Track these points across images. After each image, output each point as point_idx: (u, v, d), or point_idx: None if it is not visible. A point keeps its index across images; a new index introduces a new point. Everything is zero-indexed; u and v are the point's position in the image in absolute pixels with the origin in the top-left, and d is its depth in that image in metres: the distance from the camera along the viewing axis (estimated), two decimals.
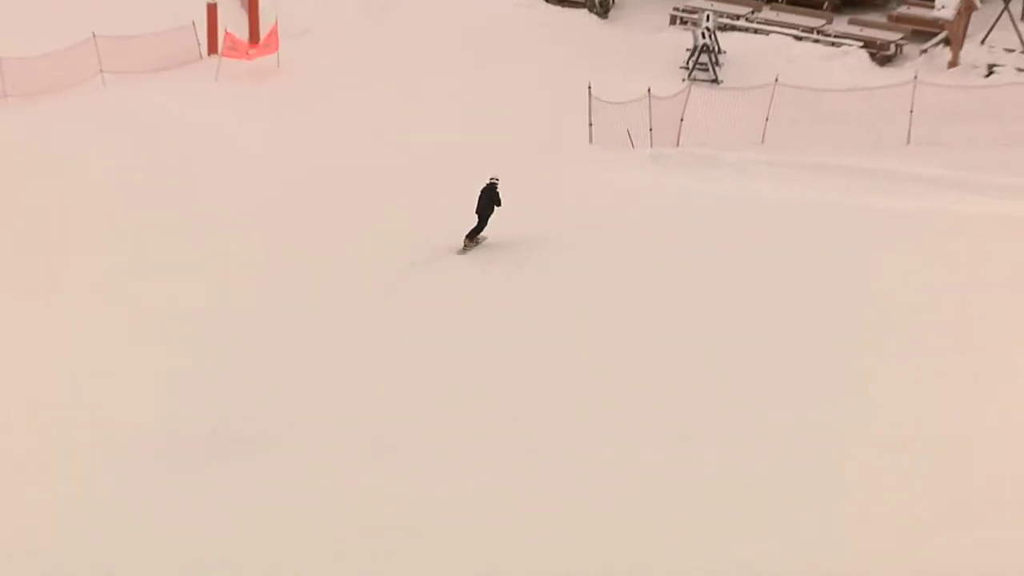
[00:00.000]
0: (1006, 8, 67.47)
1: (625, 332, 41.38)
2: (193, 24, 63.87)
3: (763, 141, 55.14)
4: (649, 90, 55.98)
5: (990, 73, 63.93)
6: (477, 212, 53.26)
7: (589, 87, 56.96)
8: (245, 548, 29.55)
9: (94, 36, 63.21)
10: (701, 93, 58.06)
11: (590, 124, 55.49)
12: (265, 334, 42.88)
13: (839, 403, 35.19)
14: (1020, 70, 63.69)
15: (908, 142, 55.83)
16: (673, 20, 66.36)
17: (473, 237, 53.55)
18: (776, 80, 58.24)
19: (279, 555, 29.80)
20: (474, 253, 50.04)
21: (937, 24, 65.53)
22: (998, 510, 29.52)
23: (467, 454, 34.22)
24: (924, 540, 26.73)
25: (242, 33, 63.41)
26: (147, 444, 34.56)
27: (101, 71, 60.91)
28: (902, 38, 65.33)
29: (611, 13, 66.40)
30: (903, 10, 67.67)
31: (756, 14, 67.21)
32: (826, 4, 67.57)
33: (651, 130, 55.91)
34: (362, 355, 41.93)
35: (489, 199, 52.71)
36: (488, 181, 52.56)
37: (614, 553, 27.17)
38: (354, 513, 32.10)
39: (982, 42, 65.39)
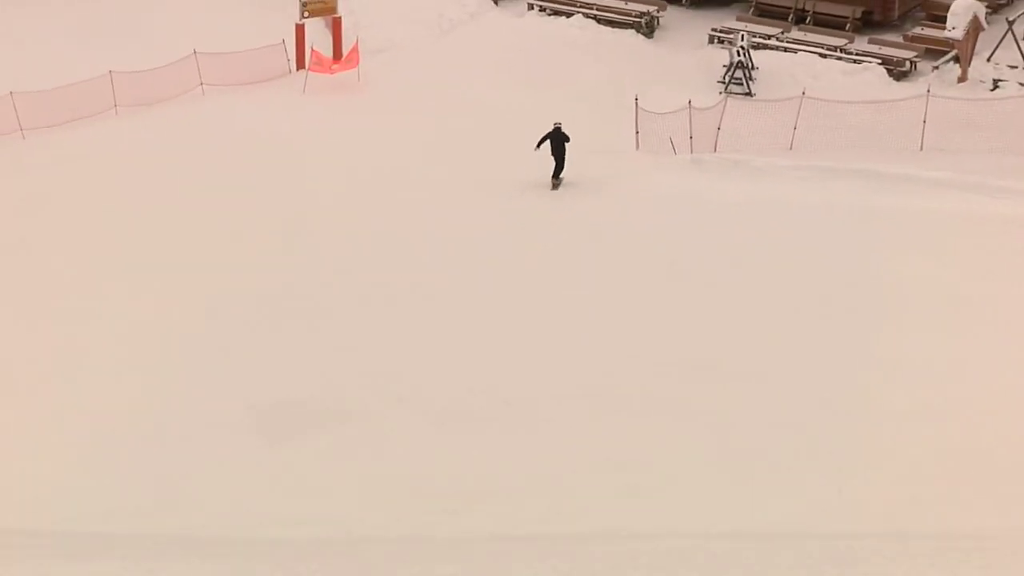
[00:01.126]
0: (1010, 29, 67.53)
1: (668, 312, 42.89)
2: (283, 42, 64.99)
3: (791, 148, 56.37)
4: (690, 102, 56.86)
5: (995, 87, 65.09)
6: (553, 155, 56.44)
7: (636, 99, 57.12)
8: (337, 503, 31.37)
9: (195, 53, 63.53)
10: (736, 105, 59.60)
11: (637, 132, 56.04)
12: (343, 318, 45.01)
13: (853, 380, 36.74)
14: (1022, 84, 64.49)
15: (921, 149, 56.83)
16: (711, 39, 67.05)
17: (557, 175, 56.55)
18: (803, 94, 59.44)
19: (366, 509, 31.38)
20: (546, 248, 49.26)
21: (948, 43, 66.22)
22: (999, 475, 31.15)
23: (524, 423, 35.91)
24: (930, 501, 27.82)
25: (326, 50, 64.15)
26: (252, 417, 36.87)
27: (201, 84, 62.79)
28: (916, 56, 66.28)
29: (656, 33, 66.33)
30: (917, 31, 68.52)
31: (785, 34, 67.42)
32: (848, 25, 67.95)
33: (691, 138, 56.75)
34: (431, 337, 42.88)
35: (559, 140, 56.37)
36: (553, 125, 55.85)
37: (655, 513, 27.53)
38: (428, 474, 34.04)
39: (988, 59, 66.44)
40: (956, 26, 64.98)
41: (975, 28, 65.58)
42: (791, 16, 67.92)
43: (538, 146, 57.07)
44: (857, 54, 66.15)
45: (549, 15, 69.41)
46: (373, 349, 42.62)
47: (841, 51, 65.96)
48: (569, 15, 68.90)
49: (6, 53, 66.64)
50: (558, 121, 56.63)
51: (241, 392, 39.58)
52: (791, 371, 38.52)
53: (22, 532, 27.46)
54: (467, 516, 30.73)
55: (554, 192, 55.43)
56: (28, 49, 67.46)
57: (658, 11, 68.80)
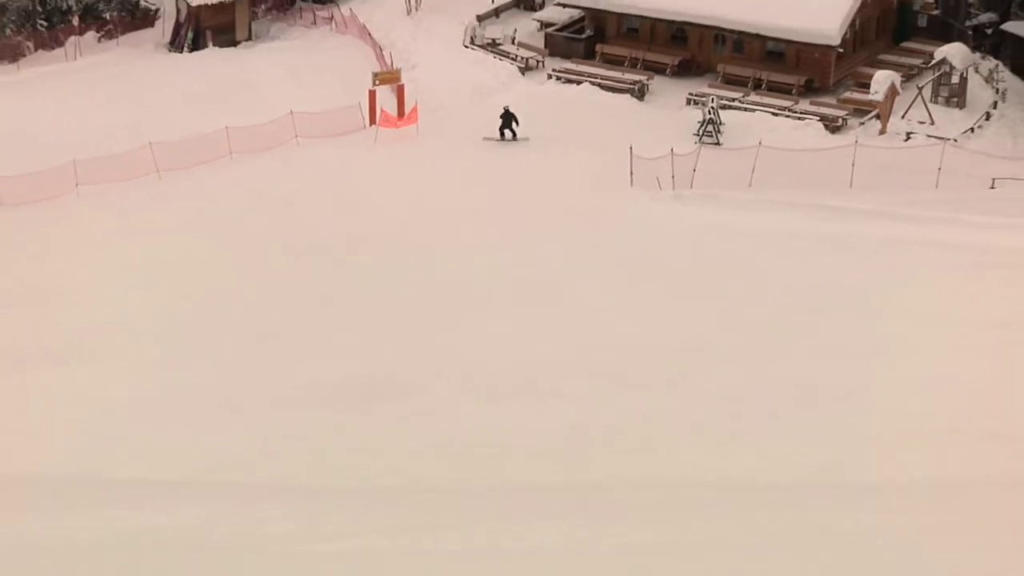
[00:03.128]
0: (919, 93, 69.79)
1: (661, 306, 46.88)
2: (359, 104, 67.99)
3: (750, 185, 59.78)
4: (672, 150, 59.76)
5: (907, 138, 68.41)
6: (504, 127, 66.77)
7: (631, 147, 58.40)
8: (400, 459, 33.60)
9: (291, 113, 65.83)
10: (708, 152, 62.65)
11: (631, 173, 58.99)
12: (397, 310, 48.88)
13: (810, 364, 39.50)
14: (928, 136, 67.71)
15: (851, 186, 60.51)
16: (688, 101, 69.90)
17: (503, 136, 67.05)
18: (759, 144, 62.48)
19: (422, 469, 33.76)
20: (566, 254, 53.31)
21: (871, 104, 69.24)
22: (945, 433, 33.62)
23: (551, 395, 39.04)
24: (886, 458, 29.58)
25: (392, 110, 66.74)
26: (321, 392, 40.02)
27: (296, 136, 65.63)
28: (846, 114, 69.56)
29: (646, 97, 69.59)
30: (848, 94, 71.79)
31: (745, 97, 70.42)
32: (794, 90, 71.32)
33: (673, 177, 59.65)
34: (471, 325, 46.66)
35: (509, 118, 66.48)
36: (503, 109, 66.67)
37: (662, 466, 30.02)
38: (472, 434, 37.03)
39: (902, 117, 69.74)
40: (878, 91, 69.10)
41: (892, 92, 69.37)
42: (750, 83, 71.19)
43: (500, 129, 67.28)
44: (801, 113, 69.47)
45: (564, 83, 72.41)
46: (421, 336, 46.07)
47: (788, 111, 69.55)
48: (579, 83, 72.06)
49: (145, 113, 69.51)
50: (507, 105, 67.28)
51: (315, 371, 43.00)
52: (754, 353, 41.79)
53: (144, 481, 28.62)
54: (505, 466, 33.35)
55: (570, 211, 57.74)
56: (161, 109, 70.46)
57: (647, 80, 71.93)
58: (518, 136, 68.62)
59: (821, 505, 20.99)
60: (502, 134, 68.24)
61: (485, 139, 68.67)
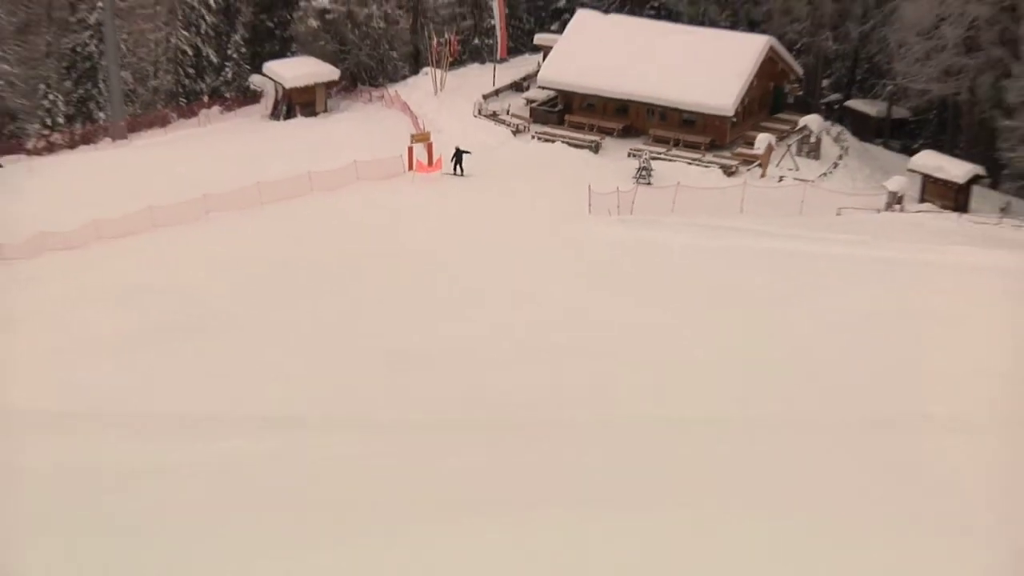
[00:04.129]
0: (788, 149, 69.07)
1: (611, 298, 45.36)
2: (401, 156, 66.63)
3: (672, 212, 58.17)
4: (618, 188, 59.44)
5: (780, 180, 67.02)
6: (457, 163, 65.11)
7: (589, 186, 58.01)
8: (435, 405, 31.43)
9: (355, 161, 65.64)
10: (643, 189, 62.25)
11: (589, 204, 57.61)
12: (429, 304, 47.43)
13: (718, 337, 37.83)
14: (794, 179, 65.76)
15: (741, 212, 59.78)
16: (629, 154, 68.33)
17: (456, 171, 65.20)
18: (678, 183, 62.39)
19: (454, 406, 32.27)
20: (545, 265, 51.99)
21: (755, 156, 67.34)
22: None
23: (538, 362, 36.91)
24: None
25: (424, 160, 66.15)
26: (375, 356, 38.31)
27: (357, 177, 64.72)
28: (738, 163, 68.09)
29: (599, 151, 68.53)
30: (738, 150, 69.67)
31: (668, 152, 68.50)
32: (702, 147, 69.26)
33: (618, 207, 58.25)
34: (480, 313, 45.20)
35: (459, 155, 65.04)
36: (456, 148, 65.42)
37: (610, 407, 28.04)
38: (494, 388, 34.85)
39: (776, 165, 67.96)
40: (759, 147, 68.63)
41: (769, 148, 68.13)
42: (671, 142, 69.20)
43: (453, 160, 66.24)
44: (706, 162, 68.36)
45: (543, 142, 70.82)
46: (439, 320, 44.66)
47: (698, 161, 68.28)
48: (553, 142, 70.54)
49: (253, 163, 67.58)
50: (458, 146, 66.26)
51: (370, 344, 41.44)
52: (677, 328, 40.25)
53: (247, 415, 28.46)
54: (529, 412, 31.04)
55: (548, 232, 56.56)
56: (265, 160, 69.03)
57: (600, 140, 70.47)
58: (464, 172, 67.54)
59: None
60: (454, 169, 67.20)
61: (442, 173, 67.76)
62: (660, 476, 17.11)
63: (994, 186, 66.28)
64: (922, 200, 62.61)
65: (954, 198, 62.29)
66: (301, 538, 13.75)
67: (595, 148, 69.01)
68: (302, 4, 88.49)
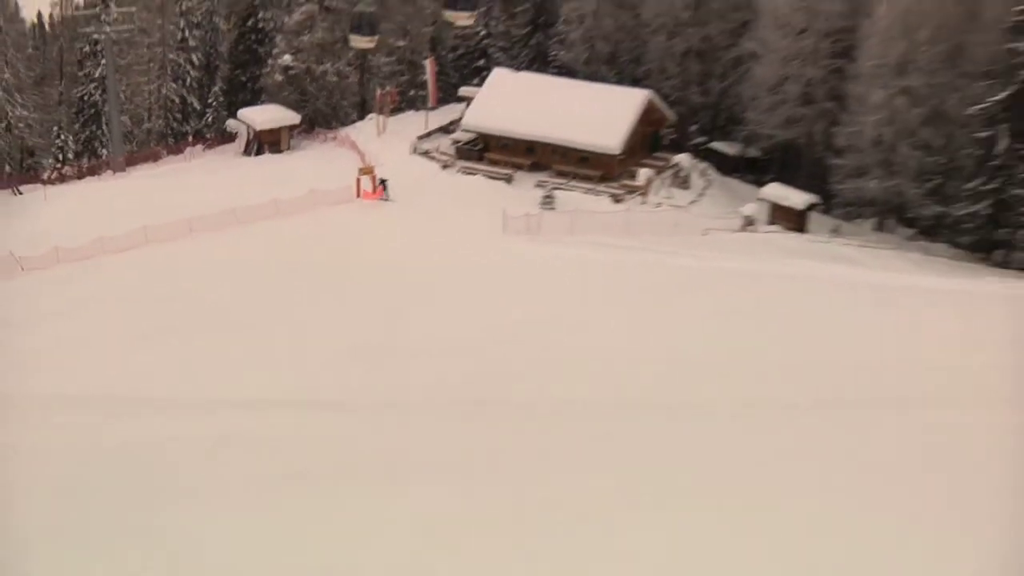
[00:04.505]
0: (664, 182, 68.49)
1: (524, 296, 44.71)
2: (351, 185, 65.22)
3: (572, 231, 57.63)
4: (527, 212, 59.75)
5: (658, 206, 66.33)
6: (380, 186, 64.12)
7: (504, 210, 58.34)
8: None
9: (312, 190, 63.21)
10: (548, 214, 61.54)
11: (504, 224, 57.50)
12: (381, 294, 46.87)
13: (604, 332, 36.11)
14: (669, 205, 66.13)
15: (626, 233, 58.24)
16: (536, 185, 67.04)
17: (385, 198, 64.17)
18: (575, 208, 63.07)
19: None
20: (460, 269, 51.59)
21: (638, 187, 67.57)
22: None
23: (471, 350, 35.17)
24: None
25: (369, 188, 65.14)
26: (349, 346, 36.51)
27: (315, 203, 62.69)
28: (624, 193, 66.80)
29: (512, 183, 68.50)
30: (625, 181, 68.52)
31: (568, 184, 67.72)
32: (595, 179, 68.77)
33: (528, 227, 57.90)
34: (417, 309, 43.64)
35: (384, 182, 63.58)
36: (381, 179, 64.24)
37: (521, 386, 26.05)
38: (484, 374, 32.60)
39: (655, 194, 68.27)
40: (641, 180, 69.03)
41: (649, 180, 68.57)
42: (570, 175, 68.75)
43: (382, 185, 65.56)
44: (598, 191, 67.80)
45: (467, 175, 70.17)
46: (396, 311, 43.87)
47: (592, 191, 67.73)
48: (475, 175, 70.15)
49: (229, 191, 66.66)
50: (383, 179, 65.31)
51: (334, 337, 39.41)
52: (573, 321, 39.23)
53: (236, 398, 27.05)
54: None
55: (471, 247, 56.14)
56: (239, 189, 67.43)
57: (513, 173, 69.33)
58: (390, 198, 67.36)
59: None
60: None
61: (383, 200, 67.54)
62: (565, 446, 16.82)
63: (826, 212, 66.83)
64: (771, 223, 63.04)
65: (796, 221, 62.76)
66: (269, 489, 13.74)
67: (509, 180, 68.90)
68: (269, 62, 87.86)
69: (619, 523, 11.91)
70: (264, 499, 13.19)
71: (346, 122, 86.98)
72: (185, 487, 14.02)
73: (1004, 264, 61.23)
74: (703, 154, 75.99)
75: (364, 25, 76.88)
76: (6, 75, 79.80)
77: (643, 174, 67.84)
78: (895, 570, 10.88)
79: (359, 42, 78.34)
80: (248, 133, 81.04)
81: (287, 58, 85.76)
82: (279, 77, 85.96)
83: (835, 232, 62.50)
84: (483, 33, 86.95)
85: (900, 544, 11.34)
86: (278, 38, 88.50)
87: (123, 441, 17.34)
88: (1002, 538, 10.93)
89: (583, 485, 13.36)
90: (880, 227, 67.11)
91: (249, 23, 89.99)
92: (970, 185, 61.75)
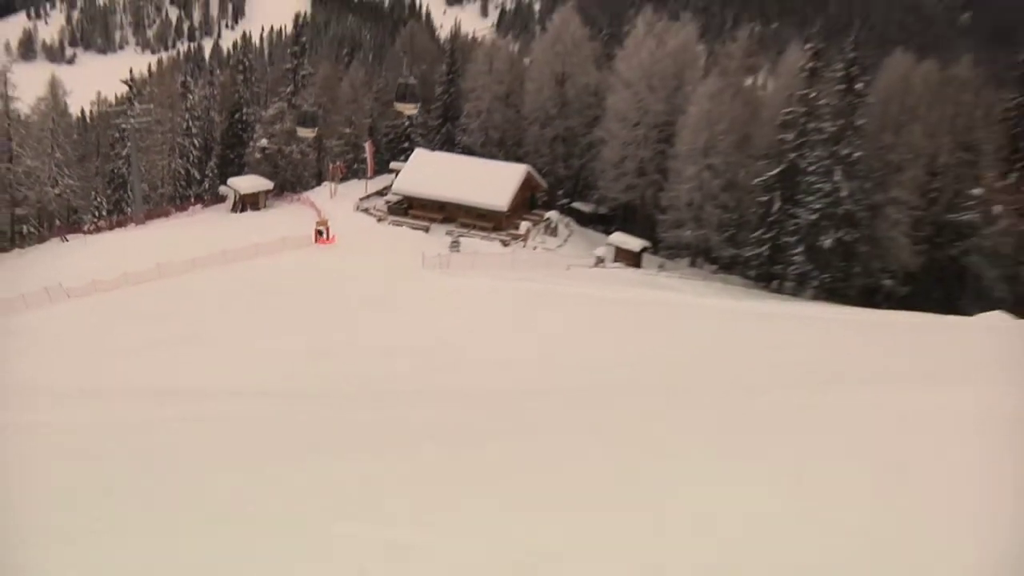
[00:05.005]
0: (539, 231, 69.44)
1: (439, 315, 43.86)
2: (311, 234, 64.22)
3: (473, 268, 58.08)
4: (439, 253, 60.05)
5: (535, 249, 67.20)
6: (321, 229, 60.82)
7: (423, 252, 58.99)
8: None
9: (283, 237, 62.61)
10: (455, 255, 62.04)
11: (423, 262, 57.41)
12: (336, 309, 46.41)
13: (504, 339, 35.11)
14: (543, 249, 67.59)
15: (512, 268, 59.62)
16: (446, 234, 66.52)
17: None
18: (474, 250, 63.80)
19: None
20: (390, 295, 50.84)
21: (520, 235, 68.17)
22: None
23: (411, 351, 33.65)
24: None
25: (324, 236, 64.32)
26: (309, 350, 34.56)
27: (284, 246, 61.71)
28: (510, 239, 67.08)
29: (429, 232, 67.74)
30: (510, 231, 69.34)
31: (469, 232, 67.65)
32: (489, 229, 68.43)
33: (440, 265, 58.30)
34: (362, 315, 43.82)
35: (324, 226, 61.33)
36: (316, 225, 61.81)
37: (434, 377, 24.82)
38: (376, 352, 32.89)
39: (532, 241, 68.99)
40: (522, 230, 69.00)
41: (528, 230, 68.98)
42: (471, 226, 68.91)
43: (326, 233, 62.84)
44: (491, 239, 67.61)
45: (396, 226, 69.89)
46: (350, 318, 44.20)
47: (486, 238, 67.74)
48: (401, 226, 69.14)
49: (221, 238, 65.11)
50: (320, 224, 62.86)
51: (298, 342, 37.95)
52: (481, 334, 38.56)
53: (228, 389, 25.89)
54: (399, 385, 27.40)
55: (398, 278, 55.39)
56: (228, 236, 66.09)
57: (430, 224, 68.85)
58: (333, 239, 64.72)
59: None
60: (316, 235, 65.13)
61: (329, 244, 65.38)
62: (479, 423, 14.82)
63: (655, 253, 66.75)
64: (615, 261, 63.51)
65: (633, 260, 63.17)
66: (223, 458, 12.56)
67: (426, 230, 68.12)
68: (251, 144, 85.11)
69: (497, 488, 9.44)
70: (247, 460, 12.37)
71: (307, 187, 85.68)
72: (190, 451, 13.42)
73: (778, 291, 62.28)
74: (567, 211, 76.34)
75: (307, 120, 77.17)
76: (57, 154, 77.16)
77: (523, 225, 67.76)
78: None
79: (304, 132, 78.19)
80: (235, 196, 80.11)
81: (264, 141, 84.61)
82: (258, 155, 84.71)
83: (661, 267, 63.28)
84: (407, 123, 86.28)
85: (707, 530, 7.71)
86: (257, 127, 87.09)
87: (144, 419, 16.62)
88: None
89: (477, 455, 11.39)
90: (693, 264, 67.28)
91: (236, 116, 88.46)
92: (755, 234, 61.75)
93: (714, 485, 8.51)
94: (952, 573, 6.12)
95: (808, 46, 63.58)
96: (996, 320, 36.51)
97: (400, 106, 31.21)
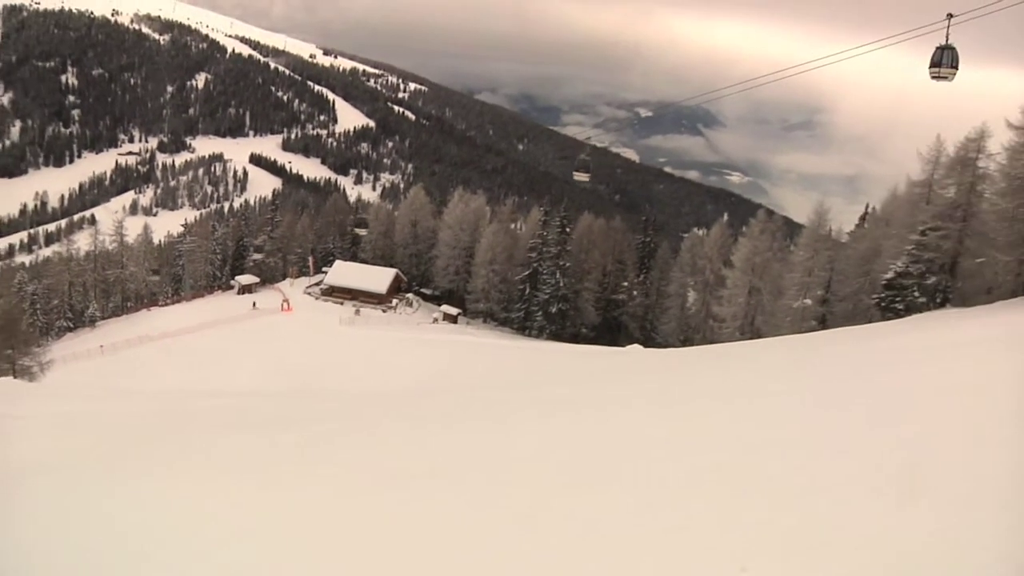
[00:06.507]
0: (406, 303, 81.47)
1: (353, 358, 46.38)
2: (279, 306, 74.80)
3: (367, 325, 65.98)
4: (348, 317, 69.74)
5: (401, 313, 79.46)
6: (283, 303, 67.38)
7: (339, 316, 65.55)
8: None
9: (255, 307, 72.41)
10: (357, 317, 71.19)
11: (339, 321, 64.63)
12: (291, 346, 53.00)
13: (398, 378, 36.21)
14: (405, 313, 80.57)
15: (389, 325, 68.35)
16: (353, 306, 78.48)
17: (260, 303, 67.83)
18: (368, 314, 75.22)
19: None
20: (317, 342, 54.37)
21: (393, 306, 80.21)
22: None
23: (354, 378, 37.44)
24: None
25: (286, 307, 75.14)
26: (285, 380, 36.54)
27: (260, 314, 69.66)
28: (388, 308, 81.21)
29: (344, 305, 78.68)
30: (389, 304, 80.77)
31: (364, 305, 77.91)
32: (376, 303, 79.17)
33: (352, 322, 67.61)
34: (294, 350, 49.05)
35: (286, 302, 68.46)
36: (284, 300, 68.82)
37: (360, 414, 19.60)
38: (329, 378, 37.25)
39: (400, 308, 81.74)
40: (396, 303, 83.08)
41: (399, 303, 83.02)
42: (366, 302, 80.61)
43: (283, 303, 70.34)
44: (378, 309, 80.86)
45: (326, 302, 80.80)
46: (294, 357, 47.64)
47: (375, 308, 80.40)
48: (328, 302, 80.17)
49: (221, 310, 75.23)
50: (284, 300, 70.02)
51: (270, 365, 43.77)
52: (385, 367, 40.75)
53: (228, 391, 28.17)
54: (349, 386, 32.16)
55: (326, 332, 60.07)
56: (232, 308, 77.29)
57: (344, 301, 79.70)
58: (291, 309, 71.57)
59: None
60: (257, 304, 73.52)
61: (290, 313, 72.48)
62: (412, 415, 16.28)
63: (464, 315, 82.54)
64: (443, 321, 79.54)
65: (453, 320, 79.78)
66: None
67: (342, 304, 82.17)
68: (248, 258, 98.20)
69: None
70: (225, 431, 14.51)
71: (278, 280, 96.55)
72: (197, 424, 16.00)
73: (528, 335, 76.68)
74: (417, 293, 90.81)
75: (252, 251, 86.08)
76: (145, 264, 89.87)
77: (395, 301, 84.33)
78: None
79: (252, 257, 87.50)
80: (239, 285, 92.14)
81: (256, 255, 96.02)
82: (251, 263, 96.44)
83: (468, 324, 78.42)
84: (330, 246, 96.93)
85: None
86: (251, 248, 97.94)
87: (175, 408, 19.60)
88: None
89: (369, 442, 12.56)
90: (485, 321, 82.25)
91: (240, 243, 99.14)
92: (516, 305, 79.53)
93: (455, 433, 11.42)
94: None
95: (542, 209, 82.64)
96: (635, 349, 48.25)
97: (578, 176, 34.09)
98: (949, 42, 18.87)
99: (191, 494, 9.17)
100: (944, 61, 19.56)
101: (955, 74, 19.41)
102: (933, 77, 19.70)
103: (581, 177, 36.05)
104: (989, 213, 40.75)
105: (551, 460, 9.62)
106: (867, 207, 68.27)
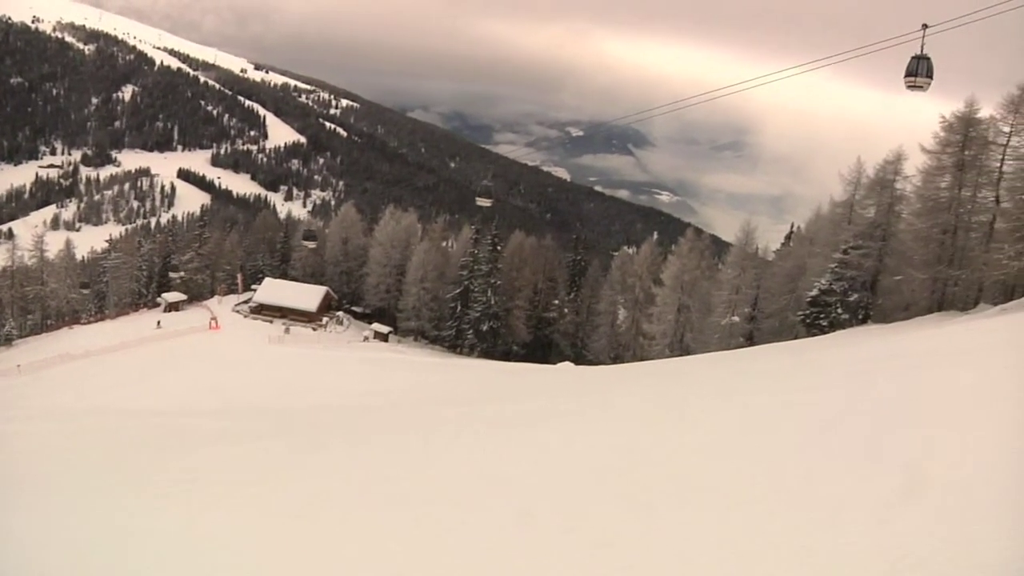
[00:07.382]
0: (337, 321, 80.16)
1: (289, 373, 44.94)
2: (207, 324, 73.08)
3: (296, 343, 63.49)
4: (279, 335, 67.07)
5: (331, 332, 78.79)
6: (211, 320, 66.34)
7: (268, 334, 64.66)
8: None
9: (191, 326, 70.68)
10: (287, 336, 68.43)
11: (268, 340, 62.85)
12: (233, 363, 51.03)
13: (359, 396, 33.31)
14: (337, 332, 79.05)
15: (318, 342, 66.95)
16: (283, 324, 76.41)
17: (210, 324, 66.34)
18: (298, 332, 74.41)
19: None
20: (255, 358, 53.54)
21: (323, 324, 79.23)
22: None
23: (312, 390, 36.74)
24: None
25: (214, 325, 73.70)
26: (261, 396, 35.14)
27: (193, 331, 68.58)
28: (319, 326, 79.94)
29: (273, 323, 78.14)
30: (319, 322, 79.48)
31: (294, 323, 77.80)
32: (306, 321, 79.50)
33: (281, 340, 65.65)
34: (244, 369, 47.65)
35: (214, 319, 66.84)
36: (212, 318, 66.86)
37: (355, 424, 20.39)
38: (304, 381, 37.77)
39: (331, 327, 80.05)
40: (326, 321, 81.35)
41: (328, 321, 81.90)
42: (296, 320, 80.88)
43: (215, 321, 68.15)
44: (308, 327, 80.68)
45: (255, 320, 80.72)
46: (230, 371, 46.59)
47: (305, 326, 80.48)
48: (257, 320, 79.72)
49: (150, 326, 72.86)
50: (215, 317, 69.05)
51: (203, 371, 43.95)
52: (326, 380, 40.41)
53: (203, 409, 27.42)
54: (279, 400, 31.55)
55: (257, 348, 59.09)
56: (155, 324, 75.58)
57: (273, 319, 78.47)
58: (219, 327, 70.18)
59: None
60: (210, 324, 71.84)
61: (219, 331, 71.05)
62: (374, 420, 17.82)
63: (396, 334, 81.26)
64: (374, 339, 78.56)
65: (384, 338, 79.02)
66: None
67: (271, 322, 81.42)
68: (174, 276, 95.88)
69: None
70: (213, 440, 14.74)
71: (207, 298, 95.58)
72: (180, 440, 15.64)
73: (459, 353, 76.38)
74: (348, 311, 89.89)
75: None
76: (68, 281, 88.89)
77: (325, 319, 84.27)
78: None
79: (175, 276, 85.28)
80: (165, 303, 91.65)
81: (181, 273, 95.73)
82: (178, 280, 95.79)
83: (400, 342, 78.49)
84: (259, 263, 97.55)
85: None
86: (179, 266, 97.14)
87: (157, 423, 19.65)
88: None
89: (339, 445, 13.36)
90: (415, 339, 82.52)
91: (167, 260, 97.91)
92: (447, 323, 79.47)
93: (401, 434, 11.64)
94: None
95: (474, 227, 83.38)
96: (566, 366, 49.96)
97: (481, 201, 34.46)
98: (924, 52, 19.33)
99: (119, 517, 9.73)
100: (920, 71, 20.06)
101: (930, 84, 19.82)
102: (909, 87, 20.19)
103: (484, 202, 36.65)
104: (906, 233, 43.65)
105: (466, 477, 10.35)
106: (792, 226, 69.30)
